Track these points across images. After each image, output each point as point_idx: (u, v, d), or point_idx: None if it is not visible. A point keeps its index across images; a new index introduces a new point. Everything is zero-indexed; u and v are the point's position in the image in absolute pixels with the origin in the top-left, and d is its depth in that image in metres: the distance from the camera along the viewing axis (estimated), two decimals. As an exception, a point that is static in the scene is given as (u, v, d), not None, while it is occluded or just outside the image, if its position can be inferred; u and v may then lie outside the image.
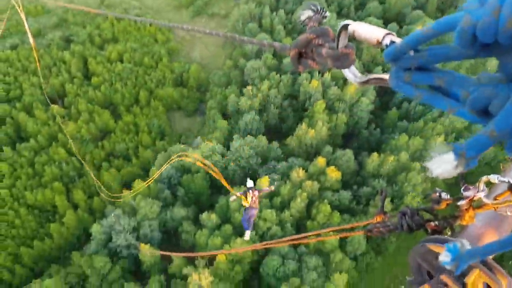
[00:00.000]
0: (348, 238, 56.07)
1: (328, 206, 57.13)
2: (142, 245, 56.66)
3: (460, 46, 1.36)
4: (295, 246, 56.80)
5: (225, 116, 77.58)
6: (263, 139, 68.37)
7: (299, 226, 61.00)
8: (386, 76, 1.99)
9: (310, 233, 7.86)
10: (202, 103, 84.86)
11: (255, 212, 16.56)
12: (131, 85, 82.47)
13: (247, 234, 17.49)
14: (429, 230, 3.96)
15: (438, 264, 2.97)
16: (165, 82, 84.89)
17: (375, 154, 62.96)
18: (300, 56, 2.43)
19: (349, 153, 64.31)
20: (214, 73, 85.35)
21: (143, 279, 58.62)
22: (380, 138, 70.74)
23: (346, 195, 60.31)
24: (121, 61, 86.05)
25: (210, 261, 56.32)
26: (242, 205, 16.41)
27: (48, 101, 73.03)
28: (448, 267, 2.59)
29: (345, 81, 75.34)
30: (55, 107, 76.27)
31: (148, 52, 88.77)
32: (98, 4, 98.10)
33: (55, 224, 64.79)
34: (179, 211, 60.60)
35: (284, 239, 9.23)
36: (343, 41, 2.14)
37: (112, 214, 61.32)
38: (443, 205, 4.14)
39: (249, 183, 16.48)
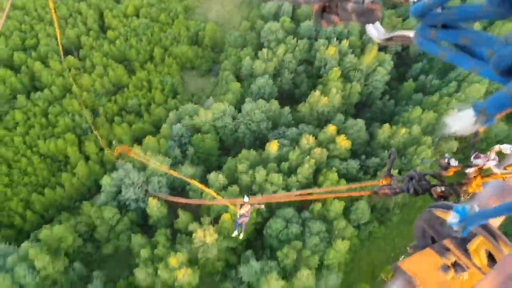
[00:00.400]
0: (353, 206, 56.64)
1: (336, 174, 57.39)
2: (150, 199, 57.89)
3: (490, 3, 1.38)
4: (299, 211, 57.60)
5: (238, 78, 77.05)
6: (275, 104, 68.11)
7: (305, 192, 61.58)
8: (410, 33, 2.06)
9: (318, 190, 7.98)
10: (216, 64, 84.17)
11: (246, 219, 20.86)
12: (146, 41, 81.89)
13: (235, 233, 21.82)
14: (435, 196, 4.01)
15: (442, 230, 3.20)
16: (180, 40, 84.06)
17: (386, 126, 62.48)
18: (323, 11, 2.44)
19: (360, 123, 63.93)
20: (230, 33, 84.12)
21: (149, 232, 60.20)
22: (393, 110, 69.98)
23: (354, 164, 60.39)
24: (137, 16, 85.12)
25: (215, 219, 57.46)
26: (238, 213, 20.44)
27: (62, 53, 73.05)
28: (455, 228, 2.73)
29: (362, 49, 74.01)
30: (70, 59, 76.38)
31: (165, 9, 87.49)
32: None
33: (66, 173, 66.26)
34: (187, 169, 61.29)
35: (293, 193, 9.41)
36: None
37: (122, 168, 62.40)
38: (450, 172, 4.17)
39: (246, 198, 19.83)
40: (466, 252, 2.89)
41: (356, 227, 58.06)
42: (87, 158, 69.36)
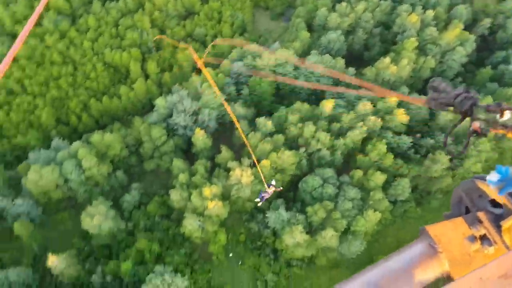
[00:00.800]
0: (395, 182, 55.29)
1: (385, 146, 55.77)
2: (198, 129, 59.14)
3: None
4: (339, 174, 57.07)
5: (309, 28, 74.59)
6: (340, 62, 65.79)
7: (349, 157, 60.66)
8: None
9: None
10: (290, 8, 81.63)
11: (268, 196, 27.98)
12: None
13: (258, 200, 29.47)
14: (471, 129, 3.70)
15: (479, 202, 3.20)
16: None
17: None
18: None
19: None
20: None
21: (191, 160, 62.15)
22: (463, 94, 65.74)
23: (406, 140, 58.23)
24: None
25: (255, 163, 58.24)
26: (264, 190, 27.75)
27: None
28: (492, 186, 2.79)
29: (446, 24, 69.11)
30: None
31: None
32: None
33: (125, 87, 68.59)
34: (239, 109, 61.66)
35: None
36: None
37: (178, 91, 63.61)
38: (500, 111, 3.76)
39: (273, 182, 28.09)
40: (498, 228, 2.86)
41: (392, 202, 57.04)
42: (146, 77, 71.17)
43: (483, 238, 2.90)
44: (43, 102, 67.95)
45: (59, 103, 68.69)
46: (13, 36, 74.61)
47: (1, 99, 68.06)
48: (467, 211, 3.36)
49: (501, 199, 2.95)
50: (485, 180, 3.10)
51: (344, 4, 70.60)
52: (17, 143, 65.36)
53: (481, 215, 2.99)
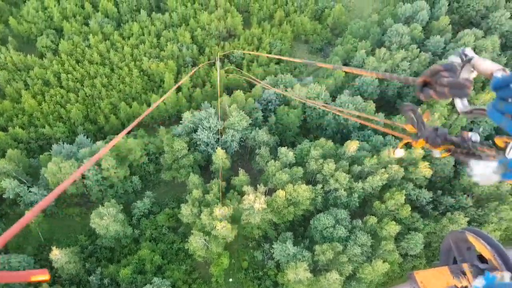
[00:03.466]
0: (408, 235, 53.91)
1: (403, 197, 54.63)
2: (219, 148, 59.32)
3: None
4: (352, 217, 56.01)
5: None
6: (371, 106, 65.58)
7: (365, 202, 59.65)
8: (485, 107, 2.51)
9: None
10: (329, 46, 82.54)
11: None
12: (271, 1, 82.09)
13: None
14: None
15: (466, 254, 3.31)
16: (304, 10, 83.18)
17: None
18: (424, 85, 2.91)
19: (450, 157, 59.75)
20: (355, 21, 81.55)
21: (207, 178, 62.16)
22: (491, 158, 64.39)
23: (426, 195, 57.09)
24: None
25: (270, 192, 57.78)
26: None
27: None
28: None
29: (483, 86, 68.54)
30: (198, -7, 78.84)
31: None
32: None
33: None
34: (262, 135, 61.76)
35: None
36: (465, 73, 2.72)
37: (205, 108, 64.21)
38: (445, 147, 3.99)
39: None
40: None
41: (402, 255, 55.54)
42: (178, 89, 72.32)
43: None
44: (75, 98, 69.60)
45: (90, 101, 70.24)
46: (58, 31, 77.50)
47: (36, 88, 70.08)
48: (455, 261, 3.48)
49: (487, 254, 3.06)
50: (476, 235, 3.25)
51: (383, 50, 70.91)
52: (43, 133, 66.74)
53: (466, 267, 3.11)
